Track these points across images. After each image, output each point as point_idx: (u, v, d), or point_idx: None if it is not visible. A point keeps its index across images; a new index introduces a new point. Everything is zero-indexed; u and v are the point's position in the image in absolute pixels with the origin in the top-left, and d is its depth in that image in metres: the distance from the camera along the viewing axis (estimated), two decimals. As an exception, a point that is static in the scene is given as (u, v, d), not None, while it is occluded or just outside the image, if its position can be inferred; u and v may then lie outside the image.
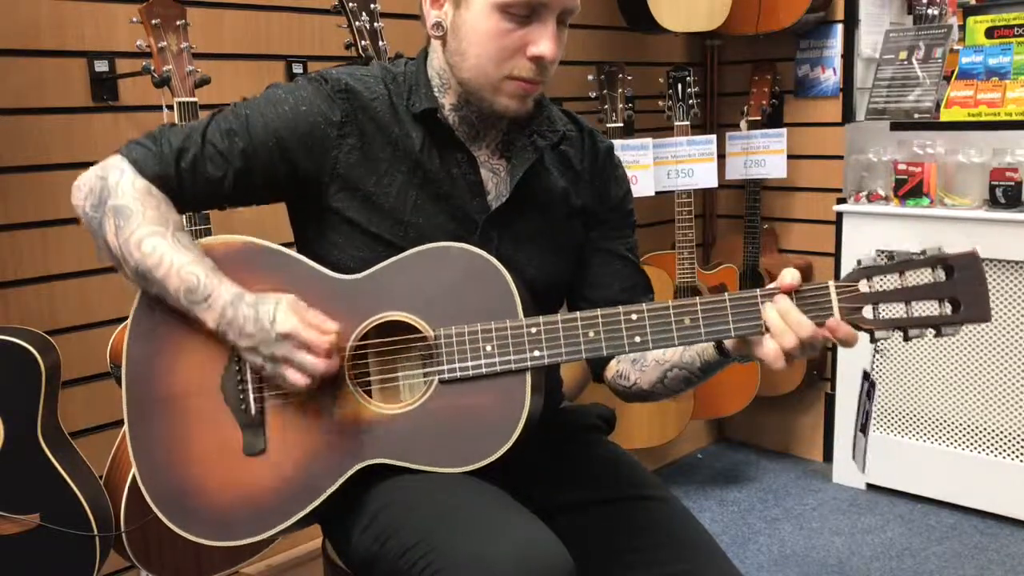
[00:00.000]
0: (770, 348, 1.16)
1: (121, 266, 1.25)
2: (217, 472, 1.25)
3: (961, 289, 1.15)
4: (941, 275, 1.16)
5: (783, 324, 1.15)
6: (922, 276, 1.17)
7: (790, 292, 1.16)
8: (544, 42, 1.21)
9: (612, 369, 1.42)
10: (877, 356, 3.04)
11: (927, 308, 1.16)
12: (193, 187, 1.27)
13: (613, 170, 1.44)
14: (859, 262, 1.17)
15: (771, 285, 1.18)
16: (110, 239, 1.24)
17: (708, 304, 1.18)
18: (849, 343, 1.16)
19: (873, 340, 1.18)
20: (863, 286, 1.17)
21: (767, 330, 1.16)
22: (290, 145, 1.26)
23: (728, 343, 1.23)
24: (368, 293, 1.25)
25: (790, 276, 1.16)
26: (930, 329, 1.16)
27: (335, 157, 1.28)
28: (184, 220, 1.30)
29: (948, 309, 1.16)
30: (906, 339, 1.17)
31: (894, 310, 1.17)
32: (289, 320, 1.17)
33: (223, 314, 1.20)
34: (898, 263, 1.17)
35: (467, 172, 1.32)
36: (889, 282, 1.17)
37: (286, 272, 1.27)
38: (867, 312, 1.17)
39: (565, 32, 1.26)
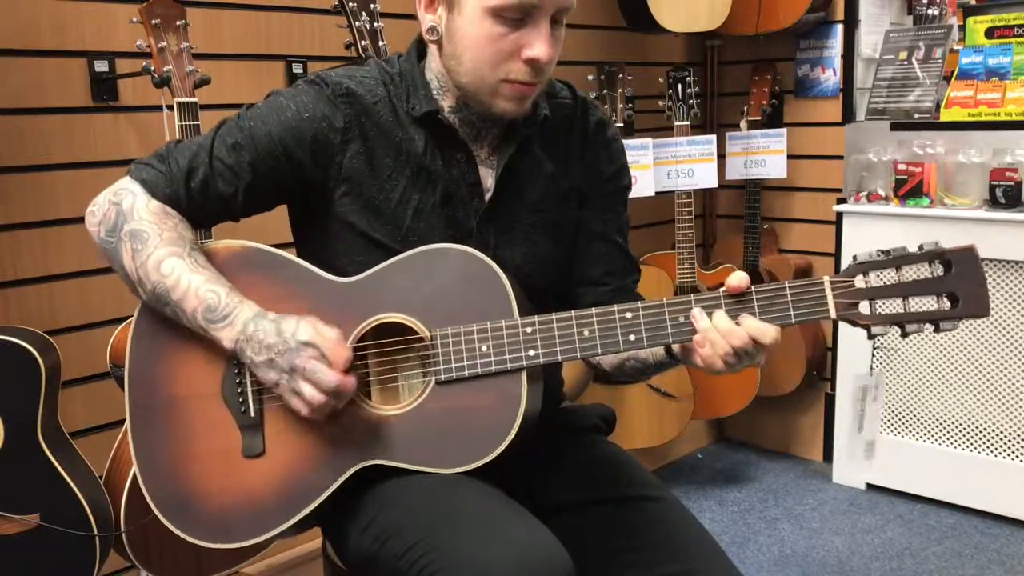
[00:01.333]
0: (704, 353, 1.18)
1: (137, 289, 1.25)
2: (217, 474, 1.25)
3: (959, 283, 1.14)
4: (939, 270, 1.15)
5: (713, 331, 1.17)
6: (919, 271, 1.16)
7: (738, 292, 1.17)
8: (538, 45, 1.20)
9: None
10: (877, 353, 3.03)
11: (925, 303, 1.15)
12: (205, 205, 1.27)
13: (604, 145, 1.41)
14: (855, 257, 1.16)
15: (715, 292, 1.19)
16: (127, 263, 1.24)
17: (703, 302, 1.18)
18: (766, 340, 1.15)
19: (870, 336, 1.17)
20: (859, 281, 1.16)
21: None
22: (295, 152, 1.26)
23: (676, 348, 1.26)
24: (365, 295, 1.25)
25: (737, 279, 1.17)
26: (928, 324, 1.15)
27: (339, 162, 1.28)
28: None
29: (946, 304, 1.15)
30: (903, 335, 1.16)
31: (891, 305, 1.16)
32: (309, 331, 1.17)
33: (244, 330, 1.19)
34: (895, 258, 1.15)
35: (466, 172, 1.32)
36: (886, 277, 1.16)
37: (285, 274, 1.27)
38: (864, 308, 1.16)
39: (561, 31, 1.25)
